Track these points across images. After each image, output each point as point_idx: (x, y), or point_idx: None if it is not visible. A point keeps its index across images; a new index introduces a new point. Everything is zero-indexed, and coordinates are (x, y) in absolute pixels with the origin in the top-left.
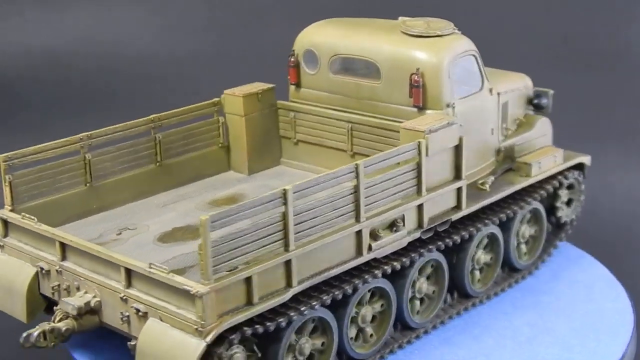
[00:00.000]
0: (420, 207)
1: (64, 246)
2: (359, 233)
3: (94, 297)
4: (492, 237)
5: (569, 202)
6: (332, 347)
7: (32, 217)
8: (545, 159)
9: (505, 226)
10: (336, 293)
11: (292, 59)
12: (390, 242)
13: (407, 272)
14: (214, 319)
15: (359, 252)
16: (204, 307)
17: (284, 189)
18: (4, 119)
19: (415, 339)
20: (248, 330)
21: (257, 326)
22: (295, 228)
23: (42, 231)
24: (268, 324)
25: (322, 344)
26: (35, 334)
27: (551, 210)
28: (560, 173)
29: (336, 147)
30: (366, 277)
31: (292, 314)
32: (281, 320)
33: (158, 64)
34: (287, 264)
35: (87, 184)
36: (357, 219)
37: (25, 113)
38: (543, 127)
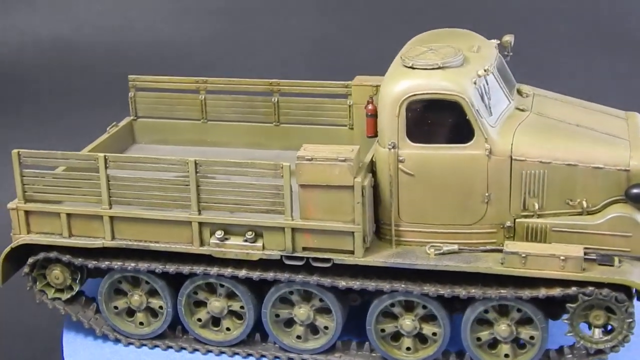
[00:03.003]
0: (284, 230)
1: None
2: (187, 223)
3: None
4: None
5: (609, 330)
6: (165, 313)
7: (109, 131)
8: (542, 256)
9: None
10: (158, 268)
11: None
12: (233, 248)
13: (267, 288)
14: (24, 232)
15: (189, 242)
16: (13, 219)
17: (99, 156)
18: (13, 108)
19: (272, 358)
20: (53, 255)
21: (67, 256)
22: (111, 192)
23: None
24: (78, 259)
25: (160, 307)
26: None
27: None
28: (582, 284)
29: None
30: (201, 268)
31: (105, 262)
32: (92, 262)
33: (172, 50)
34: (101, 218)
35: (202, 120)
36: (188, 210)
37: (34, 102)
38: (619, 224)
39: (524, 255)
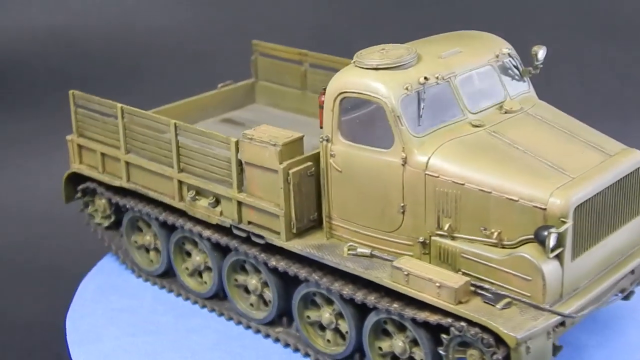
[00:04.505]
0: (232, 201)
1: None
2: (171, 179)
3: None
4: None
5: None
6: (162, 256)
7: (219, 88)
8: (421, 278)
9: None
10: (155, 215)
11: None
12: (200, 209)
13: (226, 254)
14: (77, 162)
15: (172, 196)
16: (69, 149)
17: (117, 106)
18: (10, 99)
19: (227, 318)
20: (92, 185)
21: (101, 189)
22: (127, 141)
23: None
24: (108, 193)
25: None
26: None
27: None
28: (457, 318)
29: None
30: (180, 221)
31: (125, 201)
32: (115, 199)
33: (168, 39)
34: (120, 161)
35: (303, 90)
36: (172, 167)
37: (31, 92)
38: (520, 265)
39: (406, 273)
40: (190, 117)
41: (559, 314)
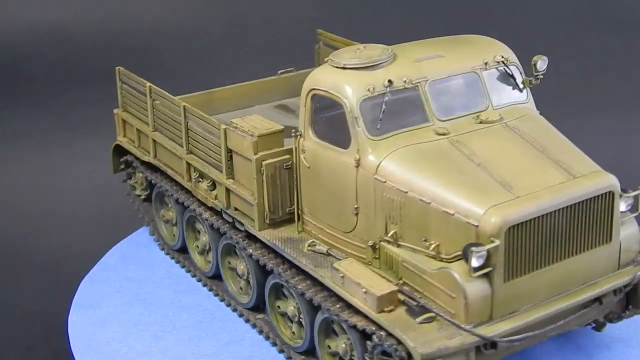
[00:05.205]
0: (221, 187)
1: None
2: (181, 159)
3: None
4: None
5: None
6: (178, 231)
7: (278, 74)
8: (353, 281)
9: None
10: (171, 192)
11: None
12: (200, 190)
13: (219, 236)
14: (122, 135)
15: (182, 176)
16: (115, 122)
17: (147, 84)
18: (8, 95)
19: (220, 299)
20: (130, 158)
21: (137, 162)
22: (153, 118)
23: None
24: (141, 166)
25: None
26: None
27: None
28: (377, 326)
29: None
30: (188, 201)
31: (153, 176)
32: (147, 173)
33: (168, 37)
34: (148, 138)
35: None
36: (182, 147)
37: (30, 89)
38: (444, 281)
39: (341, 275)
40: (249, 100)
41: (478, 335)
